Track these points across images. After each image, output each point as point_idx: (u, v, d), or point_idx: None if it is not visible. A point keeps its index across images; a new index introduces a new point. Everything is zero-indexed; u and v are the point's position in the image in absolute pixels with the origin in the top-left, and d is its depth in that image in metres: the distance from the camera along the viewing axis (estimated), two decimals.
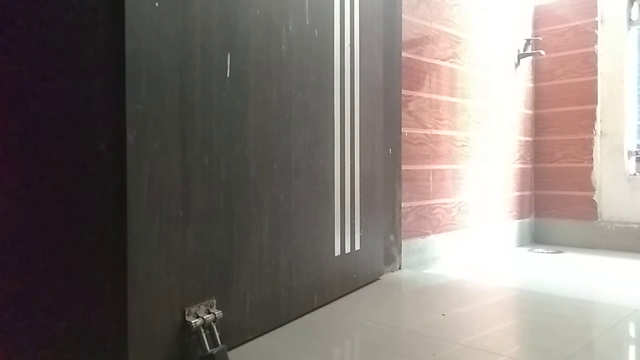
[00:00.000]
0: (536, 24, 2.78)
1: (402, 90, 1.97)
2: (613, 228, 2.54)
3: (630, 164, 2.54)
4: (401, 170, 1.96)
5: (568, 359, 1.10)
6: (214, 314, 1.04)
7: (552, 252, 2.49)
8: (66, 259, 0.94)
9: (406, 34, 1.99)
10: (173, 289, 0.97)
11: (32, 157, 0.98)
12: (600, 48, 2.58)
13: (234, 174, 1.12)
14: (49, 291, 0.96)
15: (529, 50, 2.72)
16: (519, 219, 2.68)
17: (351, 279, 1.61)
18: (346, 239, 1.57)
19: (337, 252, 1.52)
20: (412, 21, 2.02)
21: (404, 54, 1.98)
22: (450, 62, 2.21)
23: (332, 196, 1.48)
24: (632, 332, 1.32)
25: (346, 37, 1.56)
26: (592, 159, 2.60)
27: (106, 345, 0.90)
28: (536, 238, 2.78)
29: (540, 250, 2.56)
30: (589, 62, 2.60)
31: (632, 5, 2.54)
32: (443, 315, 1.40)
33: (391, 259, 1.92)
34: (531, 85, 2.77)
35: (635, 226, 2.47)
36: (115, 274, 0.89)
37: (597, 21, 2.58)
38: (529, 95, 2.76)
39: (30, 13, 0.98)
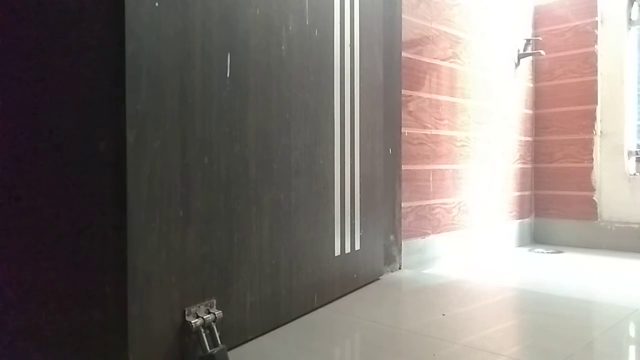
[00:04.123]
0: (536, 24, 2.78)
1: (402, 90, 1.97)
2: (613, 228, 2.54)
3: (630, 164, 2.54)
4: (401, 170, 1.96)
5: (568, 359, 1.10)
6: (214, 314, 1.04)
7: (552, 252, 2.49)
8: (66, 259, 0.94)
9: (406, 34, 1.99)
10: (173, 289, 0.97)
11: (32, 158, 0.98)
12: (600, 48, 2.58)
13: (234, 174, 1.12)
14: (49, 291, 0.96)
15: (529, 50, 2.72)
16: (519, 219, 2.68)
17: (351, 279, 1.61)
18: (346, 239, 1.57)
19: (337, 252, 1.52)
20: (412, 21, 2.02)
21: (404, 54, 1.98)
22: (450, 62, 2.21)
23: (332, 196, 1.48)
24: (632, 332, 1.32)
25: (346, 37, 1.56)
26: (592, 159, 2.60)
27: (106, 345, 0.90)
28: (536, 238, 2.78)
29: (540, 250, 2.56)
30: (589, 62, 2.60)
31: (632, 5, 2.54)
32: (443, 315, 1.40)
33: (391, 259, 1.92)
34: (531, 85, 2.77)
35: (635, 226, 2.47)
36: (115, 274, 0.89)
37: (597, 21, 2.58)
38: (529, 95, 2.76)
39: (30, 14, 0.98)
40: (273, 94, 1.24)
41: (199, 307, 1.03)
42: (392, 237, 1.92)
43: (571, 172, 2.66)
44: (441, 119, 2.16)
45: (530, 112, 2.76)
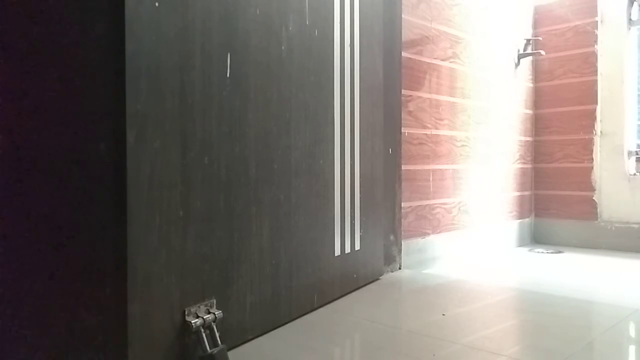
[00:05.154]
0: (536, 24, 2.78)
1: (402, 90, 1.97)
2: (613, 228, 2.54)
3: (630, 164, 2.54)
4: (401, 170, 1.96)
5: (568, 359, 1.10)
6: (214, 314, 1.04)
7: (552, 252, 2.49)
8: (66, 259, 0.94)
9: (406, 34, 1.99)
10: (173, 289, 0.97)
11: (33, 157, 0.98)
12: (600, 48, 2.58)
13: (234, 174, 1.12)
14: (49, 291, 0.96)
15: (529, 50, 2.72)
16: (519, 219, 2.68)
17: (351, 279, 1.61)
18: (346, 239, 1.57)
19: (337, 252, 1.52)
20: (412, 21, 2.02)
21: (404, 54, 1.98)
22: (450, 62, 2.21)
23: (332, 196, 1.48)
24: (632, 332, 1.32)
25: (346, 37, 1.56)
26: (592, 159, 2.60)
27: (106, 345, 0.90)
28: (536, 238, 2.78)
29: (540, 250, 2.56)
30: (589, 62, 2.60)
31: (632, 5, 2.54)
32: (443, 315, 1.40)
33: (391, 259, 1.92)
34: (531, 85, 2.77)
35: (635, 226, 2.47)
36: (115, 273, 0.89)
37: (597, 21, 2.58)
38: (529, 95, 2.76)
39: (30, 13, 0.98)
40: (273, 94, 1.24)
41: (199, 307, 1.03)
42: (392, 237, 1.92)
43: (571, 172, 2.66)
44: (441, 119, 2.16)
45: (530, 112, 2.76)
